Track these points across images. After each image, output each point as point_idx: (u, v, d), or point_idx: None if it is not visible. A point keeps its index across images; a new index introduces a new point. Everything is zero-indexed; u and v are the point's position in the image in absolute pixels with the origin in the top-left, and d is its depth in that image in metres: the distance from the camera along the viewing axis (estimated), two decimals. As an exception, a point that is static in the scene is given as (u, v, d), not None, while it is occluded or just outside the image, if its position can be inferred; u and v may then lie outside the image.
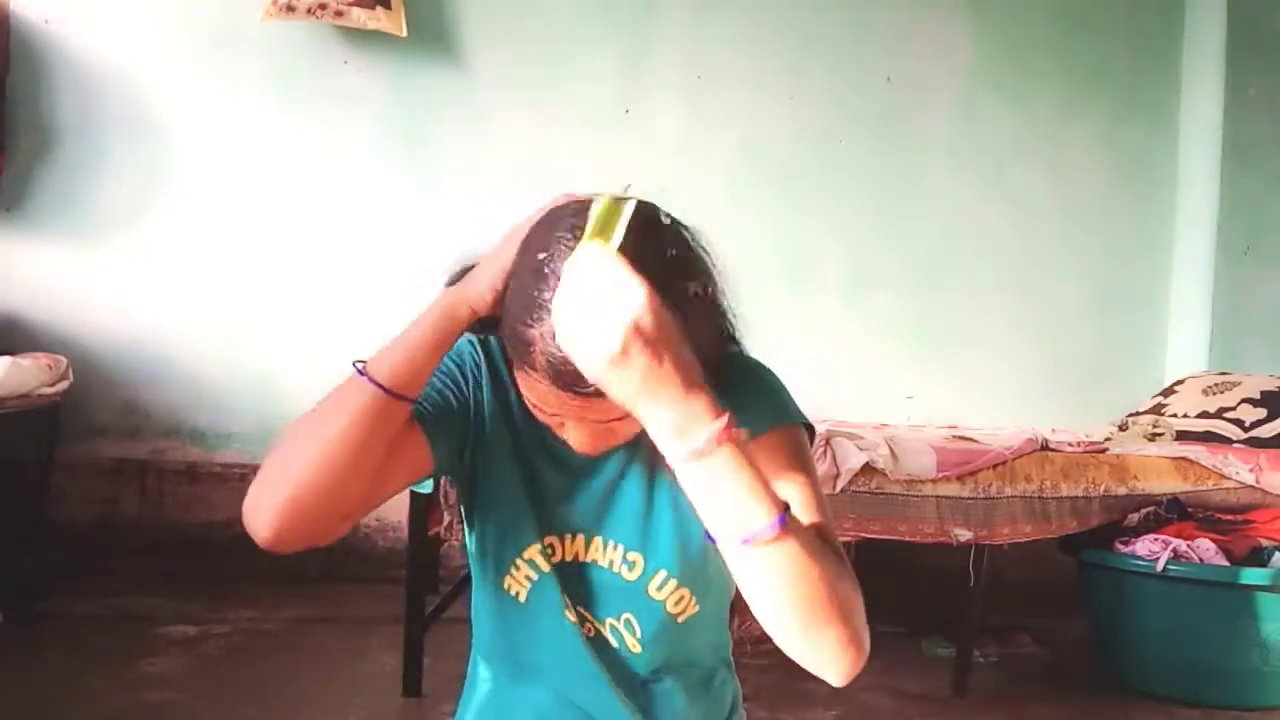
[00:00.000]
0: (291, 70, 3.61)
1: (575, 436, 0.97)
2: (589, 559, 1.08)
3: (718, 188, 3.76)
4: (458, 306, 0.97)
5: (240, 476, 3.49)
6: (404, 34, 3.55)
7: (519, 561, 1.07)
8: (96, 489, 3.47)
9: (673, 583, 1.06)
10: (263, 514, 0.93)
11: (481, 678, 1.16)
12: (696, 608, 1.08)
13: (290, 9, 3.44)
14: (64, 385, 3.15)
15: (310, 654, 2.78)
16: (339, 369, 0.98)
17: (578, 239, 0.85)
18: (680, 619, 1.08)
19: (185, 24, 3.56)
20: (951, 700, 2.71)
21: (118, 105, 3.53)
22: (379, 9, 3.50)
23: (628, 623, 1.07)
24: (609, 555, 1.07)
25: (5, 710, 2.27)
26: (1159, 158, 4.15)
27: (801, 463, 1.00)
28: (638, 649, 1.08)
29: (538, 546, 1.07)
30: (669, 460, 0.82)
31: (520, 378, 0.95)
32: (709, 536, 0.85)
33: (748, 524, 0.82)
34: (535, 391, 0.93)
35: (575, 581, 1.08)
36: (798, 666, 0.89)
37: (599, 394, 0.83)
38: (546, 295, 0.86)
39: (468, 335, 1.05)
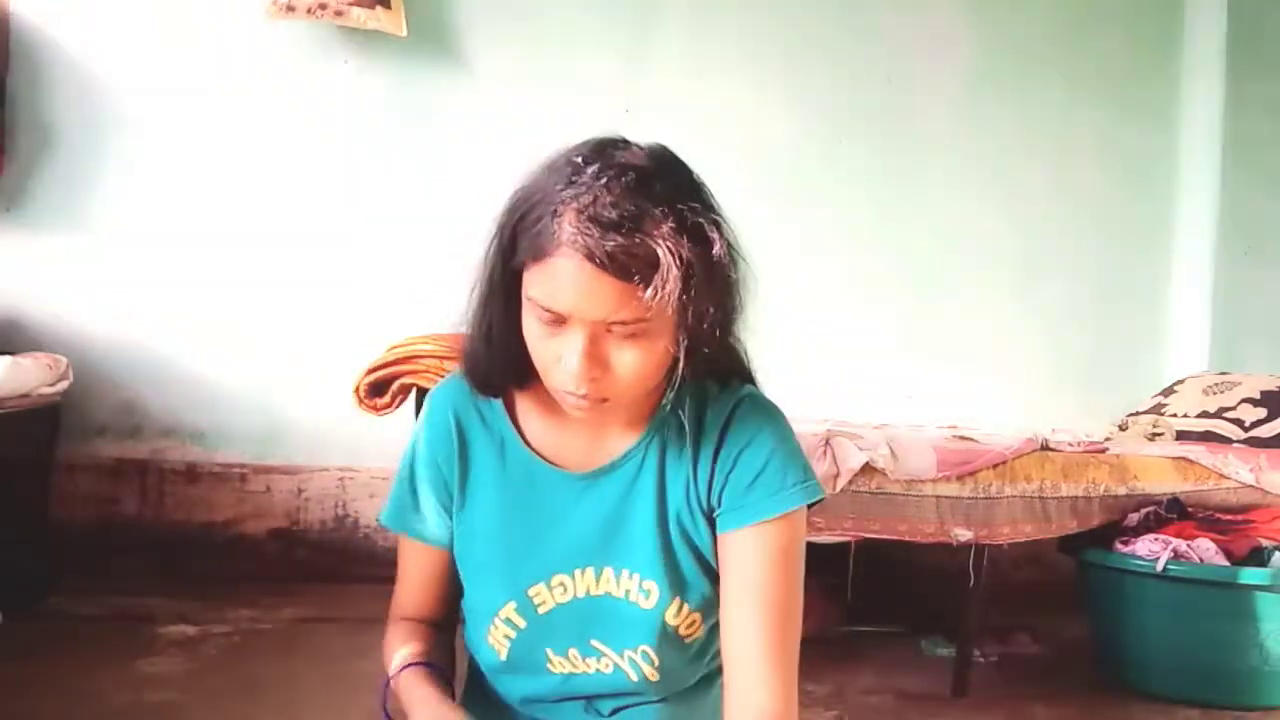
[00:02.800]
0: (291, 70, 3.61)
1: (565, 374, 0.94)
2: (601, 592, 1.06)
3: (717, 187, 3.74)
4: None
5: (240, 476, 3.49)
6: (404, 34, 3.55)
7: (496, 621, 1.07)
8: (96, 489, 3.47)
9: (687, 608, 1.05)
10: None
11: (479, 678, 1.17)
12: (702, 630, 1.08)
13: (290, 9, 3.44)
14: (64, 385, 3.15)
15: (310, 654, 2.78)
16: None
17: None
18: (688, 640, 1.07)
19: (185, 24, 3.56)
20: (951, 700, 2.70)
21: (118, 105, 3.53)
22: (379, 9, 3.50)
23: (645, 654, 1.06)
24: (624, 585, 1.05)
25: (5, 710, 2.27)
26: (1159, 158, 4.15)
27: (790, 560, 1.02)
28: (656, 677, 1.07)
29: (514, 605, 1.06)
30: None
31: (531, 279, 0.94)
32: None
33: None
34: (552, 280, 0.91)
35: (589, 617, 1.06)
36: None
37: (618, 273, 0.88)
38: (580, 177, 0.92)
39: (445, 392, 1.09)
